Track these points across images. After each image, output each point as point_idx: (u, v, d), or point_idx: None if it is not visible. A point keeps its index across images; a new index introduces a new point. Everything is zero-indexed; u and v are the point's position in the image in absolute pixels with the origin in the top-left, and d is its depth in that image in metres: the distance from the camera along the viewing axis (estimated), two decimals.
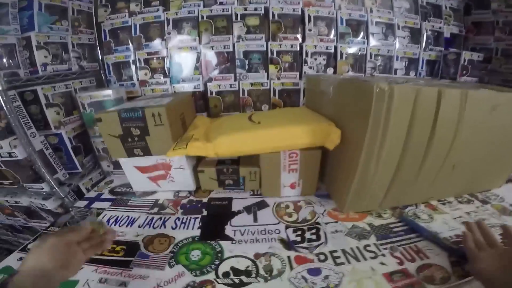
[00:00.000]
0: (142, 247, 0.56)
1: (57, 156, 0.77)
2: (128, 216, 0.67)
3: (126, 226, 0.63)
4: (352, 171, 0.55)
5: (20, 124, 0.66)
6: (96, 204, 0.74)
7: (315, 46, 0.94)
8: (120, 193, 0.80)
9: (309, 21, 0.93)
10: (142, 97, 0.94)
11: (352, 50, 0.97)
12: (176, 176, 0.73)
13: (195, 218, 0.65)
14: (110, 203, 0.74)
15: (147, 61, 0.95)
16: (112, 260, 0.53)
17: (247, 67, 0.94)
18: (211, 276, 0.49)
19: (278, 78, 0.95)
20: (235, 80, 0.95)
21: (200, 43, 0.93)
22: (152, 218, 0.66)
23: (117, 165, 0.82)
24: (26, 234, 0.95)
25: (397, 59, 1.01)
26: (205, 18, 0.91)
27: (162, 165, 0.71)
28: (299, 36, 0.93)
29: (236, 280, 0.47)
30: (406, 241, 0.54)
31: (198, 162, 0.76)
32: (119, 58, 0.96)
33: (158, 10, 0.92)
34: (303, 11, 0.93)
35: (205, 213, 0.67)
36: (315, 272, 0.48)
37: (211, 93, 0.95)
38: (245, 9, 0.91)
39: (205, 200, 0.73)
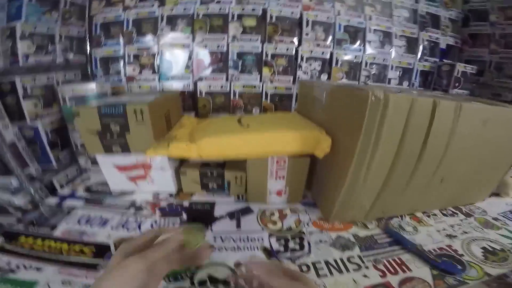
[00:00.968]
0: (113, 249, 0.53)
1: (31, 150, 0.73)
2: (101, 216, 0.63)
3: (98, 227, 0.59)
4: (341, 181, 0.53)
5: None
6: (69, 202, 0.70)
7: (311, 51, 0.92)
8: (96, 191, 0.75)
9: (307, 25, 0.92)
10: (127, 93, 0.90)
11: (347, 57, 0.96)
12: (156, 177, 0.69)
13: (174, 222, 0.62)
14: (83, 202, 0.70)
15: (136, 57, 0.92)
16: (78, 262, 0.49)
17: (240, 68, 0.91)
18: (186, 284, 0.45)
19: (271, 82, 0.93)
20: (226, 80, 0.92)
21: (193, 40, 0.90)
22: (127, 220, 0.62)
23: (94, 162, 0.78)
24: None
25: (391, 68, 1.00)
26: (200, 16, 0.89)
27: (142, 165, 0.67)
28: (295, 39, 0.92)
29: None
30: (389, 253, 0.53)
31: (181, 163, 0.73)
32: (107, 52, 0.92)
33: (153, 5, 0.89)
34: (301, 15, 0.91)
35: (185, 217, 0.64)
36: None
37: (201, 93, 0.93)
38: (243, 9, 0.88)
39: (186, 203, 0.69)
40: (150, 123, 0.60)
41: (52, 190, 0.77)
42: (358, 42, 0.96)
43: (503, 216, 0.65)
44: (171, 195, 0.73)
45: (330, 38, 0.94)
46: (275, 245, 0.55)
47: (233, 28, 0.89)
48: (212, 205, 0.69)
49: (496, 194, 0.74)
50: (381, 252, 0.53)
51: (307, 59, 0.93)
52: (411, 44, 1.02)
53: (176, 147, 0.59)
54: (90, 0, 0.91)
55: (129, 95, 0.76)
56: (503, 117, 0.55)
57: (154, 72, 0.93)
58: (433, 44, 1.04)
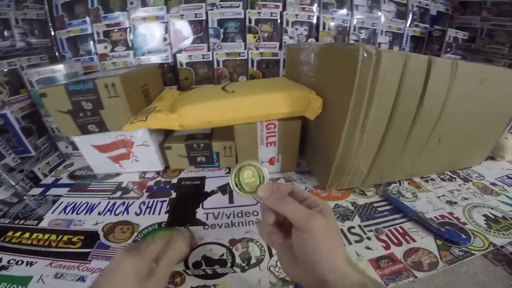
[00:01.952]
0: (101, 236, 0.50)
1: (5, 139, 0.68)
2: (87, 202, 0.60)
3: (85, 214, 0.56)
4: (335, 143, 0.50)
5: None
6: (53, 191, 0.66)
7: (296, 15, 0.87)
8: (80, 177, 0.71)
9: None
10: (101, 70, 0.85)
11: (335, 21, 0.91)
12: (140, 155, 0.66)
13: (163, 202, 0.59)
14: (68, 189, 0.66)
15: (107, 34, 0.85)
16: (68, 253, 0.46)
17: (222, 37, 0.86)
18: (179, 267, 0.43)
19: (257, 48, 0.88)
20: (208, 50, 0.87)
21: (168, 12, 0.83)
22: (114, 204, 0.59)
23: (76, 147, 0.73)
24: None
25: (381, 33, 0.97)
26: None
27: (122, 142, 0.63)
28: (279, 4, 0.86)
29: (209, 271, 0.42)
30: (391, 222, 0.51)
31: (166, 138, 0.69)
32: (74, 32, 0.86)
33: None
34: None
35: (174, 195, 0.61)
36: None
37: (181, 64, 0.87)
38: None
39: (174, 180, 0.67)
40: (125, 97, 0.55)
41: (35, 180, 0.73)
42: (345, 7, 0.91)
43: (501, 181, 0.64)
44: (158, 173, 0.70)
45: (316, 2, 0.88)
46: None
47: None
48: (202, 180, 0.66)
49: (492, 158, 0.74)
50: (382, 221, 0.52)
51: (293, 23, 0.88)
52: (400, 10, 0.98)
53: (155, 119, 0.55)
54: None
55: (102, 72, 0.71)
56: (499, 77, 0.53)
57: (128, 48, 0.87)
58: (423, 11, 1.01)
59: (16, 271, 0.43)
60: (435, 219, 0.52)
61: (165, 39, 0.86)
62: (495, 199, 0.58)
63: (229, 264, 0.43)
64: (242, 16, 0.85)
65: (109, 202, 0.59)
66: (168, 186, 0.64)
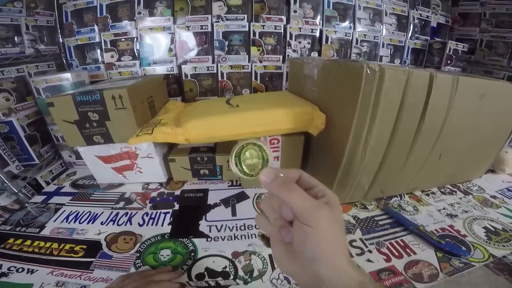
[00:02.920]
0: (104, 246, 0.50)
1: (9, 146, 0.69)
2: (90, 212, 0.60)
3: (87, 223, 0.56)
4: (338, 158, 0.51)
5: None
6: (55, 199, 0.66)
7: (300, 28, 0.88)
8: (83, 186, 0.72)
9: (295, 2, 0.87)
10: (107, 80, 0.86)
11: (338, 34, 0.93)
12: (144, 166, 0.66)
13: (166, 213, 0.59)
14: (70, 198, 0.66)
15: (114, 43, 0.86)
16: (70, 261, 0.47)
17: (226, 49, 0.87)
18: (183, 278, 0.43)
19: (260, 61, 0.89)
20: (213, 62, 0.88)
21: (174, 23, 0.84)
22: (117, 214, 0.59)
23: (79, 155, 0.74)
24: None
25: (383, 46, 0.98)
26: None
27: (127, 154, 0.64)
28: (283, 17, 0.87)
29: (212, 283, 0.42)
30: (392, 235, 0.52)
31: (169, 150, 0.70)
32: (82, 40, 0.87)
33: None
34: None
35: (177, 207, 0.61)
36: None
37: (186, 76, 0.88)
38: None
39: (177, 192, 0.67)
40: (131, 109, 0.56)
41: (38, 188, 0.74)
42: (348, 20, 0.93)
43: (501, 194, 0.65)
44: (161, 184, 0.70)
45: (319, 15, 0.90)
46: None
47: (217, 8, 0.84)
48: (205, 192, 0.66)
49: (492, 171, 0.74)
50: (383, 234, 0.52)
51: (296, 36, 0.89)
52: (401, 22, 1.00)
53: (161, 132, 0.56)
54: None
55: (109, 82, 0.72)
56: (499, 91, 0.54)
57: (134, 57, 0.88)
58: (423, 23, 1.03)
59: (16, 278, 0.43)
60: (435, 232, 0.52)
61: (170, 49, 0.87)
62: (495, 212, 0.58)
63: (231, 277, 0.43)
64: (247, 29, 0.86)
65: (112, 212, 0.60)
66: (171, 198, 0.65)
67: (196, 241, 0.51)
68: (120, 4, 0.84)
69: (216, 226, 0.55)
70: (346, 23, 0.93)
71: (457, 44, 0.97)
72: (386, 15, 0.96)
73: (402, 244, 0.49)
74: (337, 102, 0.52)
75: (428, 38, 1.04)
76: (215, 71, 0.89)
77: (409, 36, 1.01)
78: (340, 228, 0.26)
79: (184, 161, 0.67)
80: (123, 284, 0.37)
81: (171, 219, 0.57)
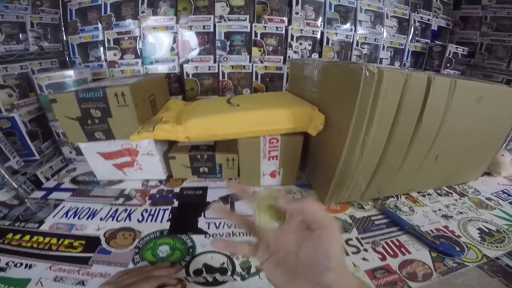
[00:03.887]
0: (103, 242, 0.50)
1: (10, 142, 0.69)
2: (90, 208, 0.60)
3: (87, 219, 0.57)
4: (336, 159, 0.52)
5: None
6: (55, 195, 0.66)
7: (301, 30, 0.89)
8: (83, 182, 0.72)
9: (297, 4, 0.88)
10: (109, 78, 0.86)
11: (338, 36, 0.93)
12: (144, 163, 0.67)
13: (165, 210, 0.59)
14: (70, 193, 0.66)
15: (117, 41, 0.87)
16: (69, 257, 0.47)
17: (228, 49, 0.88)
18: (181, 274, 0.44)
19: (261, 62, 0.90)
20: (214, 62, 0.89)
21: (177, 22, 0.85)
22: (116, 210, 0.59)
23: (80, 152, 0.74)
24: None
25: (383, 49, 0.99)
26: None
27: (127, 151, 0.64)
28: (285, 18, 0.88)
29: (210, 279, 0.43)
30: (387, 235, 0.53)
31: (170, 147, 0.70)
32: (85, 38, 0.88)
33: None
34: None
35: (176, 204, 0.62)
36: None
37: (187, 75, 0.89)
38: None
39: (177, 189, 0.67)
40: (133, 106, 0.57)
41: (37, 183, 0.74)
42: (349, 22, 0.94)
43: (496, 196, 0.66)
44: (161, 181, 0.71)
45: (320, 17, 0.91)
46: None
47: (220, 8, 0.85)
48: (204, 190, 0.67)
49: (488, 174, 0.75)
50: (379, 233, 0.53)
51: (298, 38, 0.90)
52: (402, 25, 1.01)
53: (162, 130, 0.56)
54: None
55: (111, 80, 0.73)
56: (496, 95, 0.55)
57: (136, 56, 0.89)
58: (424, 26, 1.04)
59: (14, 273, 0.43)
60: (430, 232, 0.53)
61: (173, 49, 0.88)
62: (490, 213, 0.59)
63: (229, 273, 0.44)
64: (248, 30, 0.87)
65: (111, 208, 0.60)
66: (170, 195, 0.65)
67: (195, 237, 0.51)
68: (124, 3, 0.85)
69: (214, 223, 0.55)
70: (347, 25, 0.94)
71: (457, 48, 0.97)
72: (387, 17, 0.97)
73: (397, 243, 0.50)
74: (336, 103, 0.53)
75: (429, 41, 1.05)
76: (216, 71, 0.90)
77: (409, 39, 1.02)
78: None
79: (184, 159, 0.67)
80: (122, 280, 0.38)
81: (170, 216, 0.57)
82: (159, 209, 0.60)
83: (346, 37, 0.94)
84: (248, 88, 0.93)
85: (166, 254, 0.47)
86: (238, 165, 0.67)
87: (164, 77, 0.86)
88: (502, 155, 0.72)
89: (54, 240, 0.51)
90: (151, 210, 0.59)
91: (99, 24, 0.87)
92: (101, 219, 0.57)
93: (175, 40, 0.87)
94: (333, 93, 0.54)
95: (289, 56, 0.91)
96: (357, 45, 0.95)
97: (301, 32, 0.90)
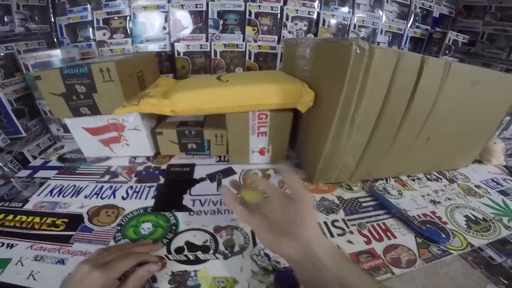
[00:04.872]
0: (86, 220, 0.50)
1: None
2: (75, 186, 0.59)
3: (71, 197, 0.56)
4: (324, 136, 0.51)
5: None
6: (41, 173, 0.65)
7: (297, 10, 0.87)
8: (70, 159, 0.71)
9: None
10: (98, 57, 0.85)
11: (336, 18, 0.91)
12: (131, 139, 0.66)
13: (150, 187, 0.59)
14: (56, 172, 0.65)
15: (106, 21, 0.85)
16: (51, 235, 0.46)
17: (221, 28, 0.86)
18: (162, 252, 0.43)
19: (255, 41, 0.88)
20: (206, 40, 0.87)
21: (169, 1, 0.83)
22: (101, 187, 0.59)
23: (67, 129, 0.73)
24: None
25: (381, 33, 0.97)
26: None
27: (114, 126, 0.63)
28: None
29: (191, 257, 0.42)
30: (374, 218, 0.52)
31: (158, 123, 0.69)
32: (74, 19, 0.86)
33: None
34: None
35: (162, 181, 0.61)
36: None
37: (178, 53, 0.87)
38: None
39: (164, 166, 0.67)
40: (119, 82, 0.55)
41: (25, 162, 0.73)
42: (347, 5, 0.91)
43: (485, 184, 0.65)
44: (148, 158, 0.70)
45: None
46: None
47: None
48: (191, 167, 0.66)
49: (479, 161, 0.75)
50: (365, 216, 0.52)
51: (293, 18, 0.88)
52: (403, 10, 0.98)
53: (147, 103, 0.55)
54: None
55: (99, 58, 0.71)
56: (492, 80, 0.53)
57: (126, 35, 0.87)
58: (425, 12, 1.01)
59: None
60: (417, 217, 0.52)
61: (164, 28, 0.85)
62: (478, 201, 0.59)
63: (212, 251, 0.43)
64: (243, 9, 0.84)
65: (96, 185, 0.59)
66: (157, 172, 0.64)
67: (179, 215, 0.51)
68: None
69: (200, 200, 0.55)
70: (346, 8, 0.91)
71: (457, 35, 0.95)
72: (387, 2, 0.95)
73: (383, 227, 0.50)
74: (326, 79, 0.52)
75: (429, 28, 1.03)
76: (208, 50, 0.88)
77: (409, 25, 1.00)
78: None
79: (172, 135, 0.66)
80: (102, 257, 0.37)
81: (155, 193, 0.57)
82: (145, 186, 0.59)
83: (343, 19, 0.92)
84: (241, 67, 0.91)
85: (148, 232, 0.47)
86: (227, 142, 0.65)
87: (155, 55, 0.83)
88: (494, 143, 0.71)
89: (37, 219, 0.50)
90: (136, 187, 0.59)
91: (88, 4, 0.84)
92: (85, 196, 0.56)
93: (166, 19, 0.85)
94: (324, 70, 0.53)
95: (283, 36, 0.89)
96: (354, 28, 0.93)
97: (297, 13, 0.87)
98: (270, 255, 0.43)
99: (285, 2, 0.86)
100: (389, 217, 0.52)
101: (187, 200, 0.55)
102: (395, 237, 0.47)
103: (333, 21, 0.91)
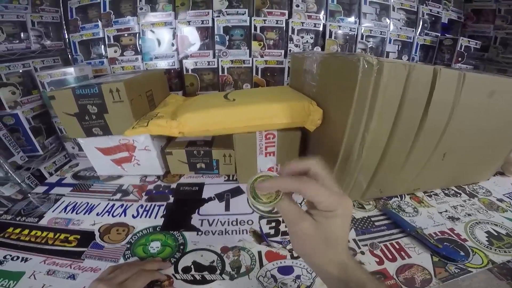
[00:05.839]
0: (97, 237, 0.51)
1: (15, 138, 0.71)
2: (88, 203, 0.61)
3: (84, 214, 0.57)
4: (334, 155, 0.49)
5: None
6: (56, 190, 0.67)
7: (302, 23, 0.87)
8: (84, 177, 0.73)
9: None
10: (110, 74, 0.87)
11: (342, 29, 0.90)
12: (141, 159, 0.67)
13: (160, 206, 0.59)
14: (71, 189, 0.67)
15: (117, 38, 0.88)
16: (63, 251, 0.47)
17: (227, 44, 0.87)
18: (169, 271, 0.43)
19: (262, 56, 0.89)
20: (213, 57, 0.88)
21: (176, 18, 0.85)
22: (113, 205, 0.60)
23: (82, 147, 0.75)
24: None
25: (390, 42, 0.95)
26: None
27: (125, 146, 0.64)
28: (285, 11, 0.86)
29: (198, 277, 0.42)
30: (387, 237, 0.50)
31: (168, 143, 0.70)
32: (86, 36, 0.89)
33: None
34: None
35: (171, 200, 0.61)
36: (286, 270, 0.43)
37: (187, 70, 0.89)
38: None
39: (173, 185, 0.67)
40: (129, 102, 0.57)
41: (41, 178, 0.75)
42: (353, 15, 0.91)
43: (509, 197, 0.61)
44: (158, 177, 0.70)
45: (322, 10, 0.88)
46: (265, 228, 0.52)
47: (218, 2, 0.84)
48: (201, 186, 0.66)
49: (501, 173, 0.71)
50: (378, 235, 0.50)
51: (299, 31, 0.88)
52: (410, 18, 0.96)
53: (156, 125, 0.56)
54: None
55: (111, 76, 0.73)
56: (510, 89, 0.50)
57: (136, 52, 0.89)
58: (434, 19, 0.99)
59: (10, 266, 0.44)
60: (434, 235, 0.50)
61: (172, 44, 0.87)
62: (501, 216, 0.55)
63: (218, 271, 0.43)
64: (248, 24, 0.85)
65: (108, 203, 0.60)
66: (167, 191, 0.65)
67: (187, 234, 0.51)
68: (123, 0, 0.85)
69: (208, 220, 0.55)
70: (352, 18, 0.91)
71: (469, 41, 0.92)
72: (394, 10, 0.93)
73: (397, 246, 0.47)
74: (334, 96, 0.51)
75: (439, 34, 1.00)
76: (216, 66, 0.89)
77: (418, 32, 0.97)
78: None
79: (181, 154, 0.67)
80: (114, 275, 0.37)
81: (164, 212, 0.57)
82: (154, 205, 0.59)
83: (350, 30, 0.91)
84: (249, 83, 0.92)
85: (156, 250, 0.47)
86: (235, 161, 0.65)
87: (163, 72, 0.85)
88: None
89: (51, 234, 0.51)
90: (146, 206, 0.59)
91: (99, 21, 0.87)
92: (97, 214, 0.57)
93: (174, 36, 0.87)
94: (331, 86, 0.52)
95: (290, 50, 0.89)
96: (362, 38, 0.92)
97: (302, 25, 0.87)
98: (277, 276, 0.42)
99: (290, 15, 0.87)
100: (403, 236, 0.50)
101: (195, 219, 0.55)
102: (409, 256, 0.45)
103: (339, 32, 0.90)
